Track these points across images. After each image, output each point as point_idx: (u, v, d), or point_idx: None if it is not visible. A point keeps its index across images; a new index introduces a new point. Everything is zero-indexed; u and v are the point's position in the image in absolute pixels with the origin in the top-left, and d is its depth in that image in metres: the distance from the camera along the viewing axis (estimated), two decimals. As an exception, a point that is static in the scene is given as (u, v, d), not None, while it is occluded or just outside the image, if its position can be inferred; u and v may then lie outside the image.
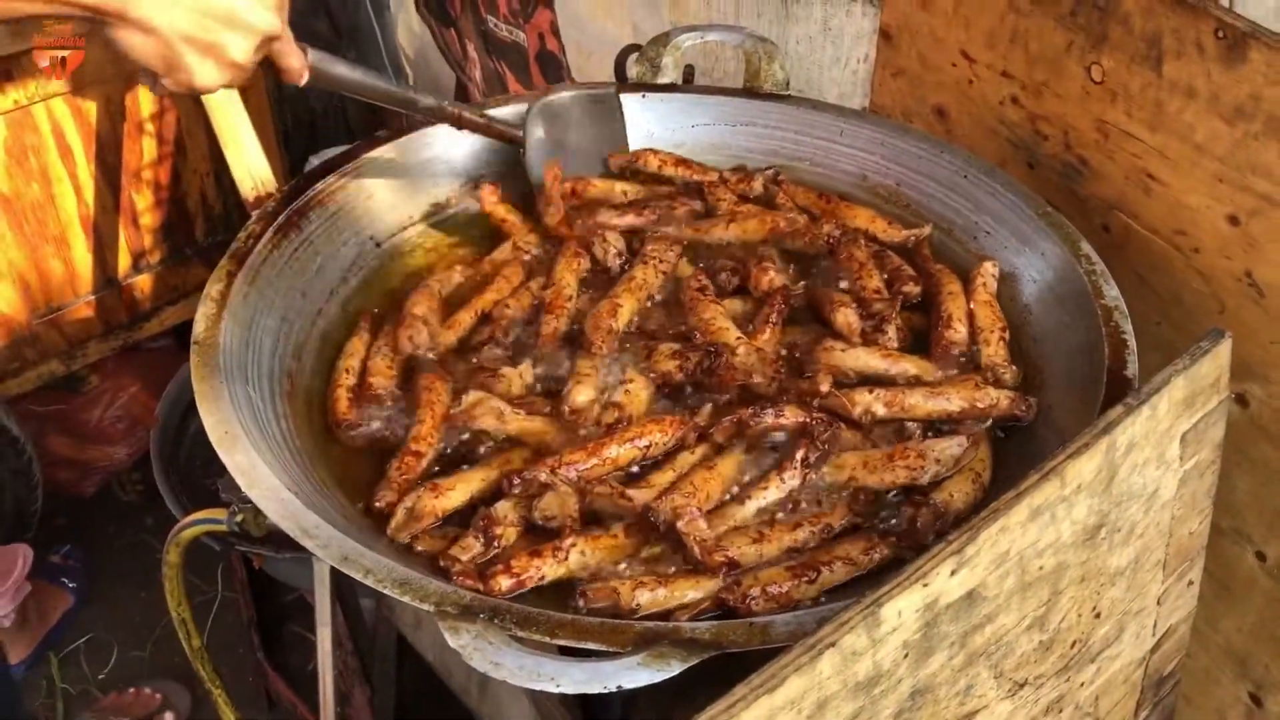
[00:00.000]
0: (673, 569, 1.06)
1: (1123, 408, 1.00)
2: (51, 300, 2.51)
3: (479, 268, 1.47)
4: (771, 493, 1.14)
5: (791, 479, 1.15)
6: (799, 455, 1.16)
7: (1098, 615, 1.07)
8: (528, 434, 1.21)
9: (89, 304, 2.57)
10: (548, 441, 1.20)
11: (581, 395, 1.24)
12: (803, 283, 1.41)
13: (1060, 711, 1.11)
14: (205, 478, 2.21)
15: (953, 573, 0.89)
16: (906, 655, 0.88)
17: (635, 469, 1.18)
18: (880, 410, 1.22)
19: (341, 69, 1.32)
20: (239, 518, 1.57)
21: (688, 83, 1.85)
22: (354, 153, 1.50)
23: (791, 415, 1.19)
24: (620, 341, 1.32)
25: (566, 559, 1.05)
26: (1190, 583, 1.20)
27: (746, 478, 1.17)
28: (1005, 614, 0.96)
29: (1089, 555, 1.02)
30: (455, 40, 2.71)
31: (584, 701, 1.30)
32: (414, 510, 1.11)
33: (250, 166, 2.29)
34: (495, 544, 1.07)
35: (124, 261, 2.60)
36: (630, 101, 1.63)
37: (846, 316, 1.32)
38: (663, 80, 1.65)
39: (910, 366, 1.28)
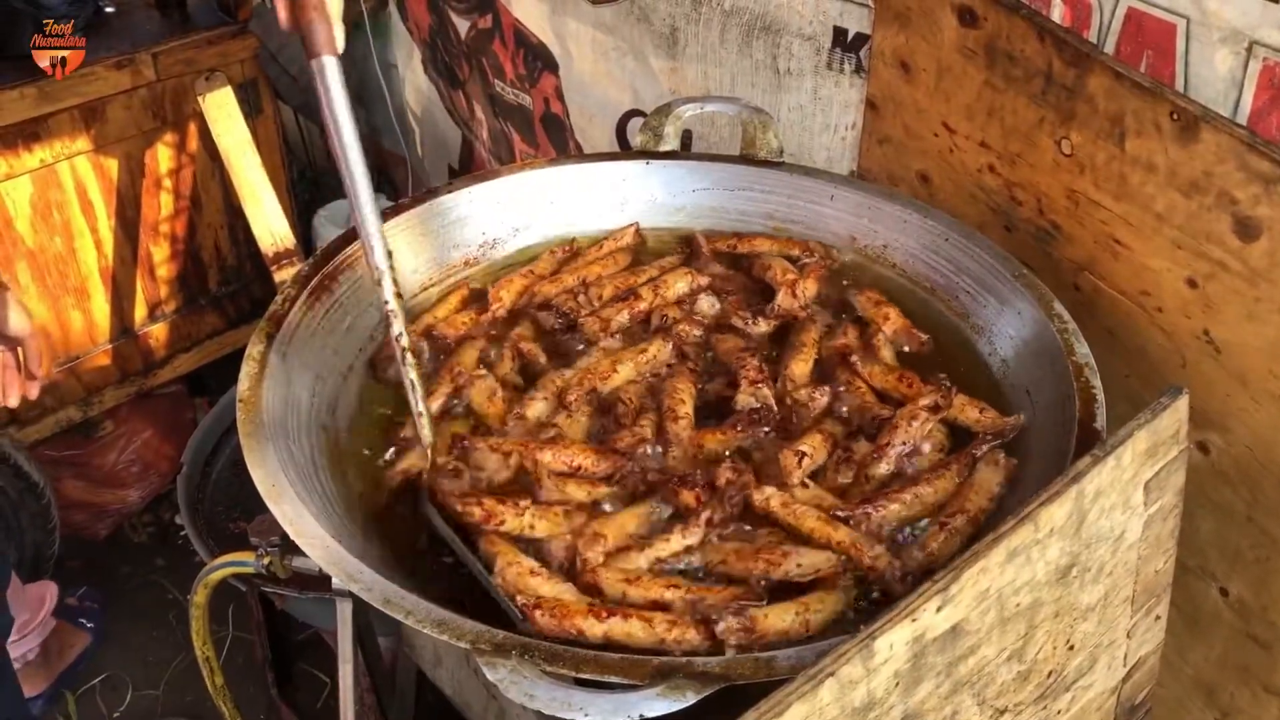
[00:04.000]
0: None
1: (1090, 458, 1.10)
2: (71, 349, 2.61)
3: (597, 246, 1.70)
4: (673, 543, 1.22)
5: (693, 535, 1.23)
6: (705, 515, 1.24)
7: (1071, 647, 1.17)
8: (489, 417, 1.41)
9: (106, 352, 2.68)
10: (493, 427, 1.39)
11: (533, 410, 1.40)
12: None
13: (1039, 737, 1.20)
14: (228, 521, 2.29)
15: (938, 609, 0.99)
16: (898, 684, 0.98)
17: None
18: (776, 507, 1.26)
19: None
20: (266, 560, 1.65)
21: (685, 147, 1.97)
22: (381, 217, 1.59)
23: (688, 497, 1.27)
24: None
25: (522, 516, 1.24)
26: (1158, 617, 1.30)
27: (644, 530, 1.26)
28: (986, 646, 1.05)
29: (1062, 592, 1.12)
30: (463, 101, 2.83)
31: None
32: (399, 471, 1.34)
33: (270, 224, 2.42)
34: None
35: (140, 311, 2.71)
36: (635, 168, 1.74)
37: (788, 460, 1.32)
38: (664, 147, 1.76)
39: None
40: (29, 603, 2.42)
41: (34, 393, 1.71)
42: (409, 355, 1.32)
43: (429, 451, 1.32)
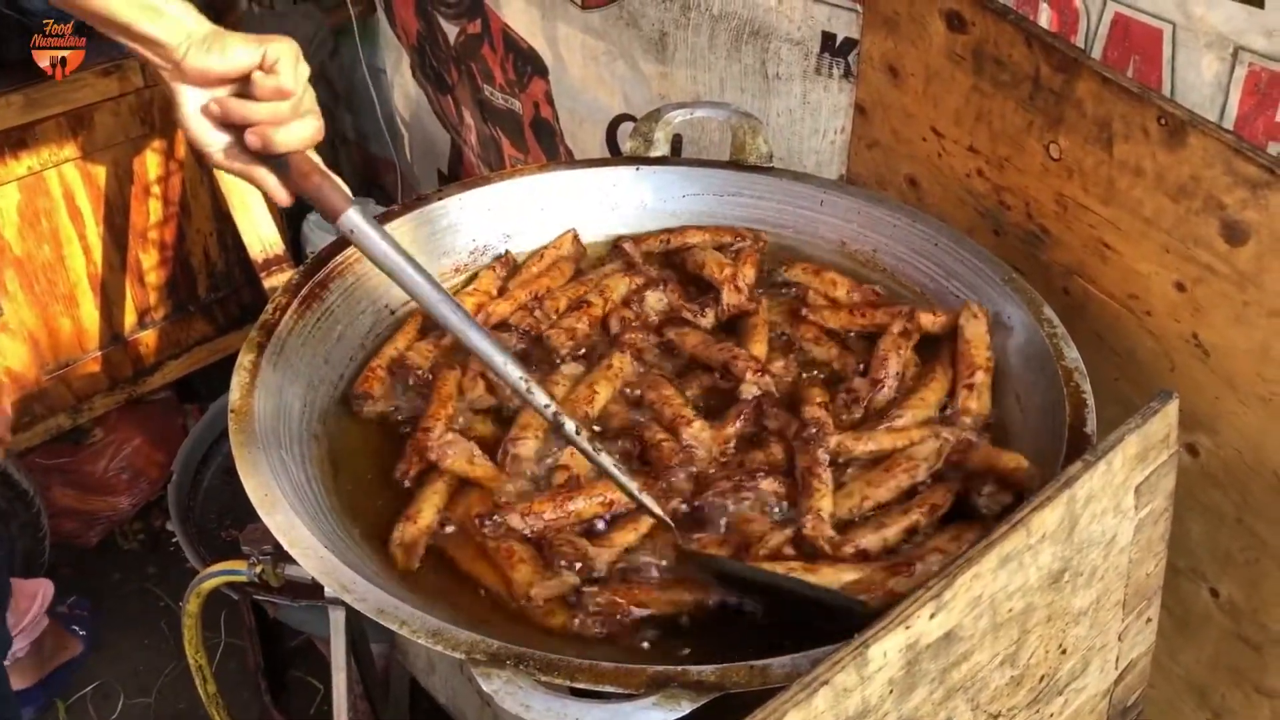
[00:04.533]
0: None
1: (1081, 464, 1.11)
2: (60, 356, 2.60)
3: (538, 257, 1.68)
4: (827, 501, 1.28)
5: (828, 479, 1.30)
6: (820, 454, 1.31)
7: (1064, 651, 1.17)
8: (486, 479, 1.33)
9: (96, 360, 2.66)
10: (497, 488, 1.32)
11: (526, 449, 1.35)
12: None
13: (1032, 741, 1.21)
14: (220, 530, 2.29)
15: (932, 615, 0.99)
16: (892, 691, 0.98)
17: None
18: (851, 445, 1.36)
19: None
20: (259, 569, 1.65)
21: (675, 152, 1.97)
22: (370, 226, 1.59)
23: (769, 484, 1.32)
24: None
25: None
26: (1149, 620, 1.30)
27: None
28: (979, 652, 1.06)
29: (1054, 597, 1.12)
30: (452, 106, 2.83)
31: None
32: (404, 542, 1.25)
33: (259, 230, 2.41)
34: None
35: (130, 318, 2.69)
36: (625, 173, 1.74)
37: (816, 413, 1.40)
38: (654, 153, 1.76)
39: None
40: (21, 599, 2.40)
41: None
42: (597, 443, 1.27)
43: (673, 526, 1.27)
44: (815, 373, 1.52)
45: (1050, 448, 1.28)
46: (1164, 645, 1.51)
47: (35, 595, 2.46)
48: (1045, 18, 1.51)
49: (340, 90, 3.02)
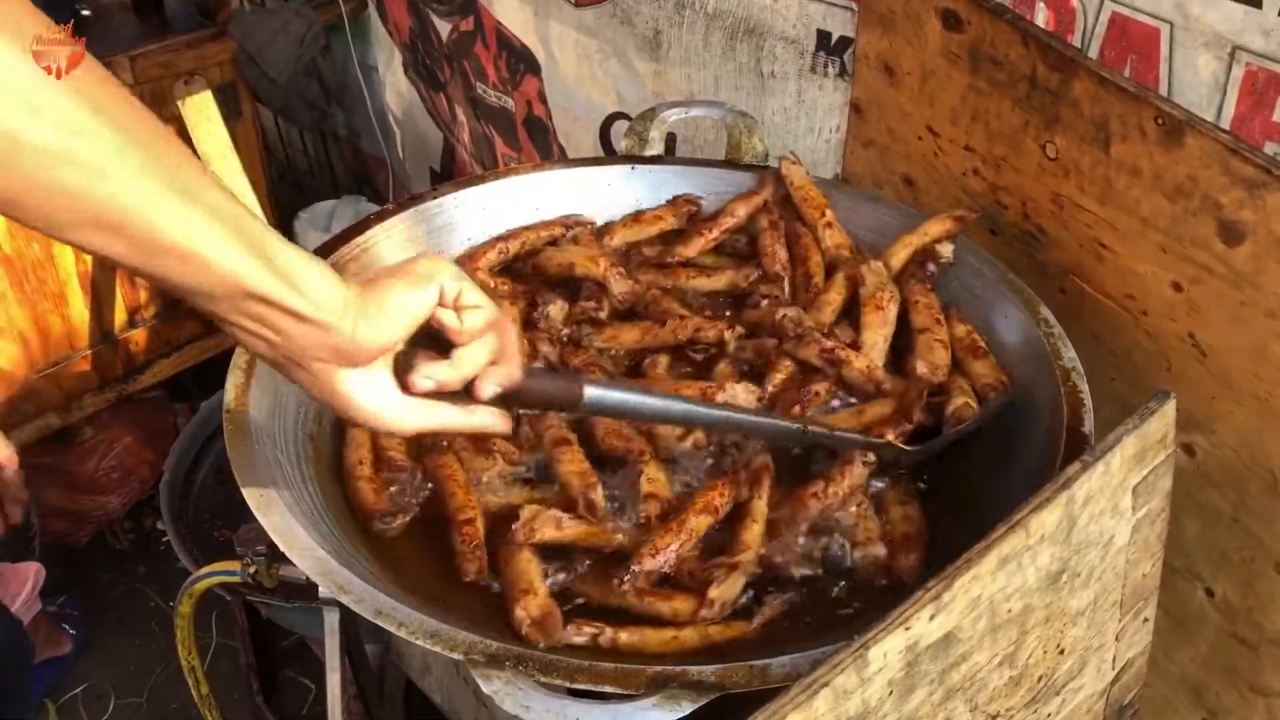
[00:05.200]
0: None
1: (1080, 464, 1.10)
2: (50, 355, 2.58)
3: None
4: (861, 358, 1.42)
5: (838, 342, 1.45)
6: (815, 335, 1.46)
7: (1061, 652, 1.17)
8: (586, 535, 1.24)
9: (86, 358, 2.65)
10: (603, 539, 1.25)
11: (599, 493, 1.28)
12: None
13: (1030, 741, 1.21)
14: (212, 529, 2.28)
15: (931, 617, 0.99)
16: (891, 692, 0.98)
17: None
18: (824, 319, 1.51)
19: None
20: (252, 569, 1.65)
21: (669, 150, 1.97)
22: (367, 223, 1.58)
23: (820, 385, 1.41)
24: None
25: None
26: (1145, 620, 1.31)
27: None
28: (978, 653, 1.06)
29: (1053, 598, 1.12)
30: (444, 104, 2.82)
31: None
32: (538, 621, 1.14)
33: (251, 229, 2.38)
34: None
35: (120, 316, 2.68)
36: (620, 172, 1.74)
37: (788, 322, 1.50)
38: (649, 152, 1.76)
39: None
40: (13, 583, 2.39)
41: (16, 517, 1.65)
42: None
43: (895, 441, 1.33)
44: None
45: (1048, 448, 1.28)
46: (1159, 644, 1.51)
47: (26, 579, 2.45)
48: (1042, 17, 1.52)
49: (332, 87, 3.00)
